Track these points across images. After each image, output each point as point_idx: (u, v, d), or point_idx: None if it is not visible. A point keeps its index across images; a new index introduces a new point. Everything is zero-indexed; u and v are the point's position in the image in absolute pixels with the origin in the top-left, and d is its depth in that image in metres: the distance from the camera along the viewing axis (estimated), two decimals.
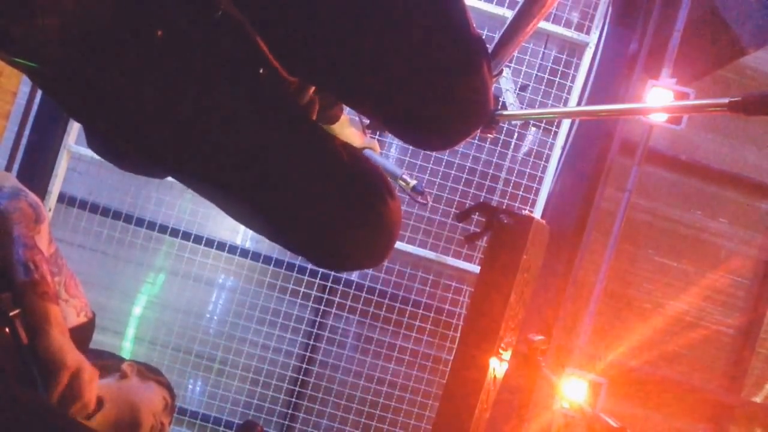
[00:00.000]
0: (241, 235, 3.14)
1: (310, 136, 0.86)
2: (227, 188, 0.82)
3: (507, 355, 1.50)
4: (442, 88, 0.76)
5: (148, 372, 1.48)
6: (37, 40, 0.66)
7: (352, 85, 0.79)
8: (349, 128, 1.14)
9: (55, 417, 1.01)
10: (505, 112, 1.49)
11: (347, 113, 1.14)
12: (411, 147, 3.05)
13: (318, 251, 0.87)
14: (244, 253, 3.09)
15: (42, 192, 2.96)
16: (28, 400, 0.98)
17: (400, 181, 1.22)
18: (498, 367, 1.49)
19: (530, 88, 3.07)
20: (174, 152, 0.80)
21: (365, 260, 0.89)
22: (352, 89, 0.80)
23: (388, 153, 3.10)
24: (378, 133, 1.30)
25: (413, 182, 1.19)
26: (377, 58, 0.74)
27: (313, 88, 0.91)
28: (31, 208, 1.16)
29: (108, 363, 1.40)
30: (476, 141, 3.07)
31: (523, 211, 3.03)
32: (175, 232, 3.05)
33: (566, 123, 3.04)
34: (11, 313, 1.03)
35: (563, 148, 3.04)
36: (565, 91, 3.06)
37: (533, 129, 3.14)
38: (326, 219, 0.82)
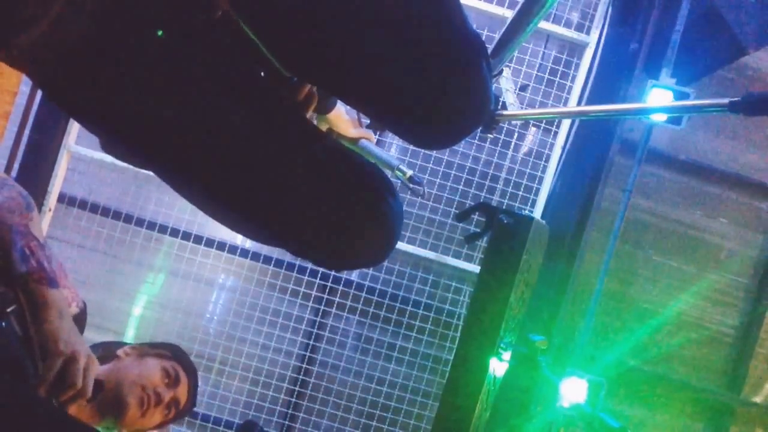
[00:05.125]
0: (241, 235, 3.14)
1: (308, 137, 0.86)
2: (224, 192, 0.82)
3: (507, 355, 1.50)
4: (441, 87, 0.76)
5: (150, 349, 1.45)
6: (28, 50, 0.66)
7: (350, 83, 0.79)
8: (344, 119, 1.14)
9: (42, 408, 1.01)
10: (505, 112, 1.49)
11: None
12: (411, 147, 3.05)
13: (319, 253, 0.87)
14: (244, 253, 3.09)
15: (42, 192, 2.96)
16: (17, 392, 0.98)
17: (397, 172, 1.22)
18: (498, 367, 1.49)
19: (530, 88, 3.07)
20: (172, 153, 0.80)
21: (367, 260, 0.89)
22: (350, 87, 0.80)
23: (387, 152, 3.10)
24: (378, 133, 1.30)
25: (410, 172, 1.19)
26: (375, 55, 0.74)
27: (308, 85, 0.91)
28: (21, 197, 1.15)
29: (108, 349, 1.39)
30: (476, 141, 3.07)
31: (523, 211, 3.04)
32: (175, 232, 3.05)
33: (566, 123, 3.04)
34: (8, 309, 1.03)
35: (563, 148, 3.04)
36: (565, 91, 3.06)
37: (533, 129, 3.14)
38: (327, 221, 0.82)
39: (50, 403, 1.06)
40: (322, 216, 0.81)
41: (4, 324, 1.02)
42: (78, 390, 1.08)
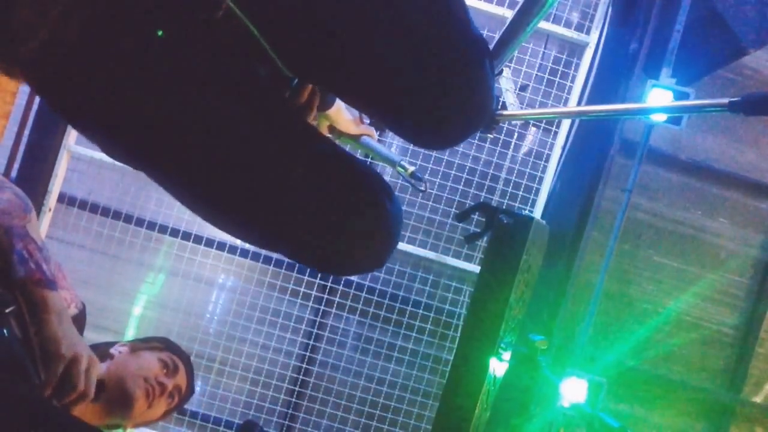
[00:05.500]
0: None
1: (308, 139, 0.85)
2: (222, 193, 0.81)
3: (507, 355, 1.50)
4: (443, 87, 0.76)
5: (141, 344, 1.47)
6: (28, 60, 0.66)
7: (353, 83, 0.79)
8: (345, 115, 1.14)
9: (44, 408, 1.01)
10: (505, 112, 1.48)
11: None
12: (411, 147, 3.05)
13: (317, 258, 0.87)
14: (244, 253, 3.09)
15: (42, 192, 2.96)
16: (18, 392, 0.98)
17: (399, 168, 1.22)
18: (498, 367, 1.49)
19: (530, 88, 3.07)
20: (171, 153, 0.80)
21: (365, 265, 0.88)
22: (353, 86, 0.80)
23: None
24: (379, 132, 1.30)
25: (412, 168, 1.19)
26: (379, 56, 0.74)
27: (311, 86, 0.91)
28: (18, 198, 1.15)
29: (100, 350, 1.40)
30: (476, 141, 3.07)
31: (523, 211, 3.04)
32: (175, 232, 3.05)
33: (566, 123, 3.04)
34: (6, 310, 1.03)
35: (563, 148, 3.04)
36: (565, 91, 3.06)
37: (533, 129, 3.14)
38: (325, 224, 0.82)
39: (52, 403, 1.06)
40: (320, 219, 0.81)
41: (5, 331, 1.02)
42: (81, 392, 1.08)
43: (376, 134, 1.22)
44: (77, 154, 3.01)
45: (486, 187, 3.08)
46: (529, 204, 3.08)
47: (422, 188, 1.22)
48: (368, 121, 1.22)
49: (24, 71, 0.72)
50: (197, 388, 3.08)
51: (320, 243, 0.83)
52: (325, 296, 3.12)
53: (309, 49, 0.76)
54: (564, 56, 3.08)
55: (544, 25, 2.98)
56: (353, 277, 3.14)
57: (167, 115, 0.76)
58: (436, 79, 0.75)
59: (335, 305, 3.13)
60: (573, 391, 1.87)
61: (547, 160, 3.07)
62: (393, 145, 3.10)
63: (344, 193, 0.83)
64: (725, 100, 0.91)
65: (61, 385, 1.06)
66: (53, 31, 0.66)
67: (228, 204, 0.83)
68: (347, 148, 1.03)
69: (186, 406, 3.06)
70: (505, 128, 3.06)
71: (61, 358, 1.06)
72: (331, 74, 0.79)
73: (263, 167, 0.79)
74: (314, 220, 0.81)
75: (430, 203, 3.07)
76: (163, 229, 3.06)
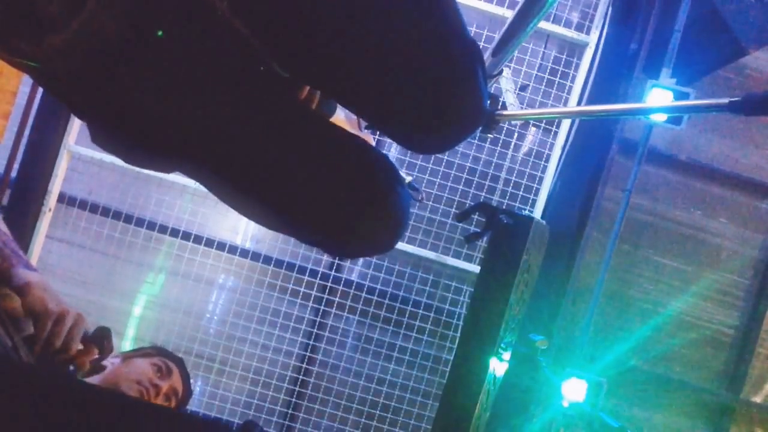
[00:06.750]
0: (241, 235, 3.14)
1: (315, 128, 0.86)
2: (235, 184, 0.83)
3: (507, 355, 1.50)
4: (435, 93, 0.77)
5: (133, 352, 1.50)
6: (45, 55, 0.67)
7: (346, 87, 0.79)
8: (342, 119, 1.15)
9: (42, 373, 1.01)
10: (505, 112, 1.49)
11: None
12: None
13: (330, 241, 0.88)
14: (244, 253, 3.09)
15: (42, 192, 2.96)
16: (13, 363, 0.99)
17: None
18: (498, 367, 1.49)
19: (530, 88, 3.07)
20: (180, 151, 0.80)
21: (376, 248, 0.89)
22: (346, 90, 0.81)
23: (387, 153, 3.10)
24: (378, 133, 1.30)
25: (409, 178, 1.20)
26: (371, 61, 0.75)
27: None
28: None
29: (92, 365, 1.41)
30: (476, 141, 3.07)
31: (523, 211, 3.04)
32: (175, 232, 3.05)
33: (566, 123, 3.04)
34: None
35: (563, 148, 3.04)
36: (565, 91, 3.06)
37: (533, 129, 3.14)
38: (337, 209, 0.82)
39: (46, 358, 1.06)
40: (331, 204, 0.82)
41: None
42: (65, 344, 1.08)
43: (372, 140, 1.23)
44: (77, 154, 3.01)
45: (486, 187, 3.08)
46: (529, 204, 3.08)
47: (418, 197, 1.22)
48: (365, 125, 1.23)
49: (44, 64, 0.72)
50: (197, 388, 3.08)
51: (333, 229, 0.84)
52: (325, 296, 3.12)
53: (301, 53, 0.76)
54: (564, 56, 3.08)
55: (544, 25, 2.98)
56: (353, 277, 3.14)
57: (168, 114, 0.76)
58: (428, 86, 0.76)
59: (335, 305, 3.13)
60: (573, 391, 1.87)
61: (547, 160, 3.07)
62: (393, 145, 3.10)
63: (355, 180, 0.83)
64: (725, 100, 0.91)
65: (48, 339, 1.06)
66: (83, 26, 0.67)
67: (239, 194, 0.84)
68: None
69: (186, 406, 3.06)
70: (505, 128, 3.07)
71: (50, 313, 1.06)
72: (324, 78, 0.80)
73: (271, 163, 0.80)
74: (327, 207, 0.82)
75: (430, 203, 3.07)
76: (163, 229, 3.06)
